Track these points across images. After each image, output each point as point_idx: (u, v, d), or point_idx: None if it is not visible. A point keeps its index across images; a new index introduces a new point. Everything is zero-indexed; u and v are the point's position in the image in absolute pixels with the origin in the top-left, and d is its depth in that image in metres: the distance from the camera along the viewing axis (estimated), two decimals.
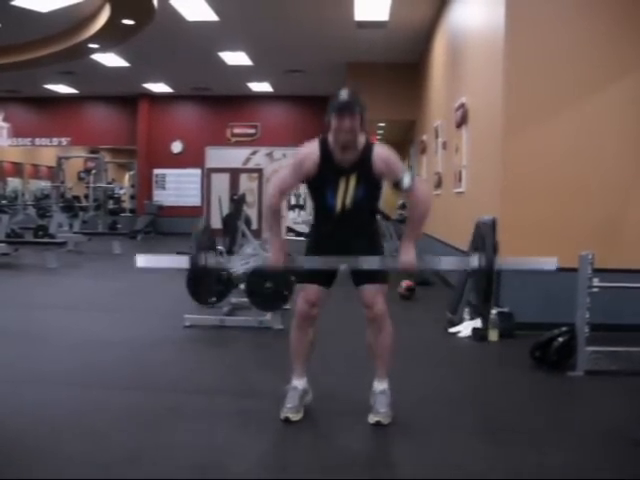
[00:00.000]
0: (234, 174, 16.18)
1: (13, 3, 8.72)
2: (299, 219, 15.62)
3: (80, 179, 18.75)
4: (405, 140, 14.56)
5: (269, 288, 5.01)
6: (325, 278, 3.07)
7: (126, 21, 8.83)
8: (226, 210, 7.02)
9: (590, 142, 5.09)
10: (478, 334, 4.85)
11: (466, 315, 5.16)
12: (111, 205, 16.30)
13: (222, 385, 3.68)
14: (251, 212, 8.78)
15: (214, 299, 5.27)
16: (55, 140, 17.20)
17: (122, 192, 19.03)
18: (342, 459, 2.66)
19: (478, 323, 4.97)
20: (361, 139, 2.93)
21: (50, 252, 8.97)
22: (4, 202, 15.65)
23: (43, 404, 3.24)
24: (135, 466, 2.53)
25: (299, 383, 3.10)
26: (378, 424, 2.94)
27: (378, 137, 15.10)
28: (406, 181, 2.87)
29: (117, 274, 8.72)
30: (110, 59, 12.17)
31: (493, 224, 4.95)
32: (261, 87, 15.20)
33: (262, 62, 12.44)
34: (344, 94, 2.87)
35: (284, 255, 3.04)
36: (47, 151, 18.70)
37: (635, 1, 5.09)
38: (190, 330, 5.04)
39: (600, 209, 5.08)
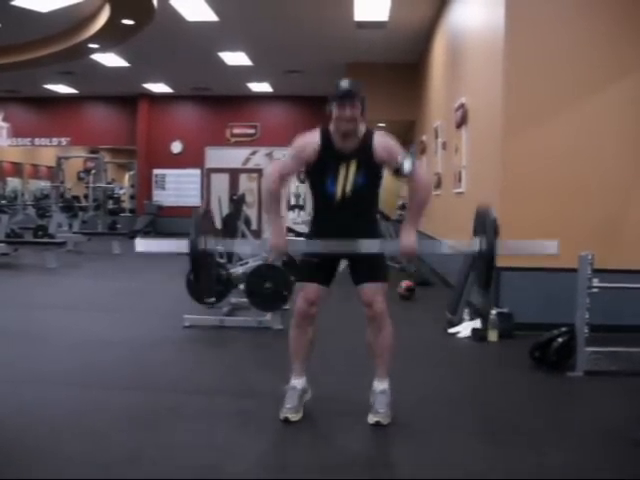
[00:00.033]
0: (234, 174, 16.21)
1: (13, 3, 8.72)
2: (299, 219, 15.61)
3: (80, 179, 18.74)
4: (405, 140, 14.54)
5: (269, 288, 5.01)
6: (324, 277, 3.06)
7: (126, 21, 8.83)
8: (226, 210, 7.02)
9: (590, 142, 5.09)
10: (478, 334, 4.85)
11: (466, 315, 5.17)
12: (111, 205, 16.30)
13: (222, 385, 3.68)
14: (251, 212, 8.78)
15: (213, 299, 5.27)
16: (55, 140, 17.20)
17: (122, 192, 19.02)
18: (342, 459, 2.66)
19: (478, 323, 4.98)
20: (361, 127, 2.95)
21: (50, 252, 8.96)
22: (4, 202, 15.66)
23: (43, 404, 3.24)
24: (135, 466, 2.53)
25: (298, 382, 3.10)
26: (377, 424, 2.94)
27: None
28: (407, 166, 2.87)
29: (117, 274, 8.73)
30: (110, 59, 12.17)
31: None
32: (261, 87, 15.20)
33: (262, 62, 12.44)
34: (345, 83, 2.90)
35: (285, 238, 3.03)
36: (47, 151, 18.69)
37: (635, 1, 5.10)
38: (190, 330, 5.04)
39: (600, 209, 5.09)
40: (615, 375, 3.87)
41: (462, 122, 6.81)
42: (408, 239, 2.95)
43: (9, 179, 19.33)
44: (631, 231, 5.11)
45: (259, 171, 14.00)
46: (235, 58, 12.06)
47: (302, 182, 15.03)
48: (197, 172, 16.30)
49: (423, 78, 11.00)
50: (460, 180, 6.89)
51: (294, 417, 2.99)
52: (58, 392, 3.45)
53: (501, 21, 5.18)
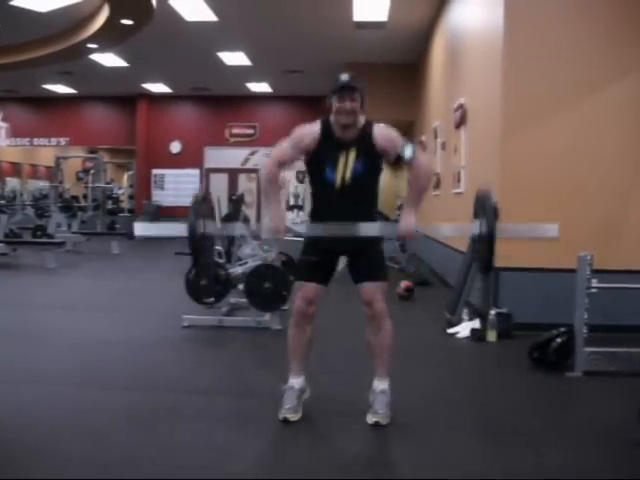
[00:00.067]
0: (233, 174, 16.22)
1: (12, 3, 8.72)
2: (298, 219, 15.62)
3: (79, 179, 18.73)
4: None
5: (268, 288, 5.01)
6: (323, 275, 3.06)
7: (125, 21, 8.83)
8: (225, 210, 7.02)
9: (589, 142, 5.09)
10: (477, 335, 4.85)
11: (465, 316, 5.17)
12: (110, 205, 16.28)
13: (221, 385, 3.68)
14: (250, 212, 8.78)
15: (212, 299, 5.27)
16: (54, 140, 17.20)
17: (121, 192, 19.00)
18: (341, 459, 2.66)
19: (477, 324, 4.98)
20: (361, 120, 2.97)
21: (48, 252, 8.96)
22: (2, 202, 15.64)
23: (42, 404, 3.24)
24: (134, 466, 2.53)
25: (296, 382, 3.10)
26: (377, 425, 2.94)
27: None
28: (408, 152, 2.89)
29: (116, 274, 8.72)
30: (109, 59, 12.17)
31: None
32: (260, 87, 15.20)
33: (261, 62, 12.44)
34: (344, 76, 2.92)
35: (284, 220, 3.02)
36: (45, 151, 18.68)
37: (634, 1, 5.10)
38: (189, 330, 5.04)
39: (599, 210, 5.09)
40: (614, 375, 3.87)
41: (461, 122, 6.81)
42: (407, 221, 2.95)
43: (8, 179, 19.32)
44: (630, 231, 5.11)
45: (258, 171, 14.02)
46: (234, 58, 12.06)
47: (301, 182, 15.06)
48: (196, 172, 16.30)
49: (422, 78, 11.00)
50: (459, 180, 6.89)
51: (293, 417, 2.99)
52: (57, 392, 3.45)
53: (500, 21, 5.18)
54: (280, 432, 2.92)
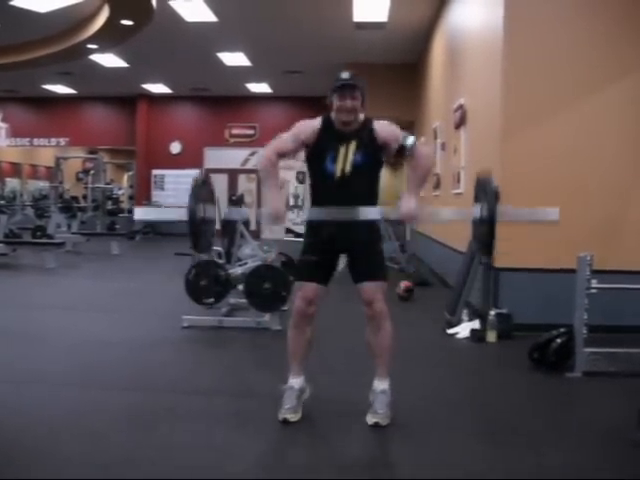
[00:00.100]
0: (232, 175, 16.22)
1: (12, 3, 8.72)
2: (298, 220, 15.62)
3: (78, 179, 18.74)
4: None
5: (267, 289, 5.01)
6: (322, 275, 3.06)
7: (125, 22, 8.83)
8: (224, 211, 7.01)
9: (589, 142, 5.09)
10: (476, 335, 4.84)
11: (464, 316, 5.17)
12: (109, 206, 16.29)
13: (220, 386, 3.68)
14: (249, 213, 8.78)
15: (212, 300, 5.27)
16: (53, 140, 17.20)
17: (120, 193, 19.00)
18: (341, 459, 2.66)
19: (476, 324, 4.97)
20: (361, 116, 2.99)
21: (48, 252, 8.96)
22: (2, 202, 15.63)
23: (42, 404, 3.24)
24: (133, 466, 2.52)
25: (296, 382, 3.09)
26: (377, 425, 2.94)
27: None
28: (409, 142, 2.94)
29: (115, 274, 8.72)
30: (109, 59, 12.17)
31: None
32: (260, 88, 15.20)
33: (261, 63, 12.44)
34: (345, 74, 2.94)
35: (283, 204, 3.03)
36: (45, 151, 18.67)
37: (634, 1, 5.10)
38: (188, 331, 5.04)
39: (599, 210, 5.09)
40: (614, 376, 3.87)
41: (461, 123, 6.81)
42: (408, 204, 2.98)
43: (8, 179, 19.31)
44: (630, 232, 5.11)
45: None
46: (234, 58, 12.06)
47: (301, 183, 15.06)
48: (196, 173, 16.28)
49: (422, 78, 11.00)
50: (459, 181, 6.89)
51: (293, 417, 2.98)
52: (57, 392, 3.45)
53: (500, 21, 5.18)
54: (280, 432, 2.92)
